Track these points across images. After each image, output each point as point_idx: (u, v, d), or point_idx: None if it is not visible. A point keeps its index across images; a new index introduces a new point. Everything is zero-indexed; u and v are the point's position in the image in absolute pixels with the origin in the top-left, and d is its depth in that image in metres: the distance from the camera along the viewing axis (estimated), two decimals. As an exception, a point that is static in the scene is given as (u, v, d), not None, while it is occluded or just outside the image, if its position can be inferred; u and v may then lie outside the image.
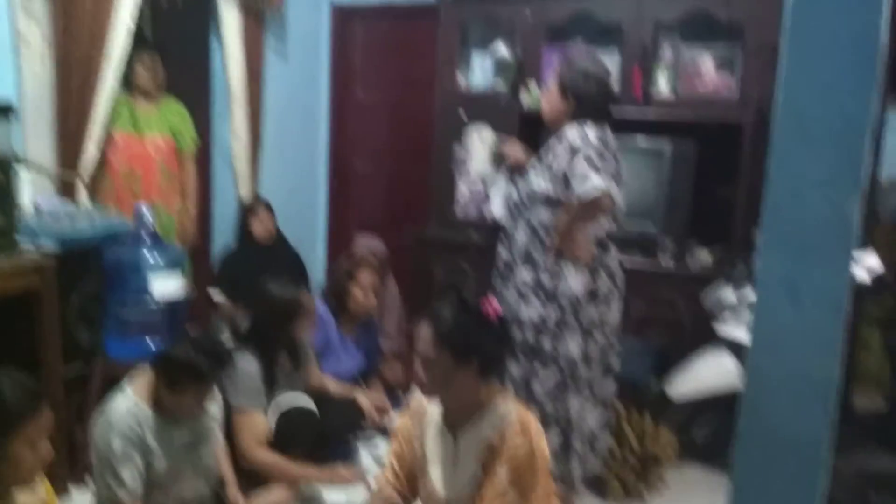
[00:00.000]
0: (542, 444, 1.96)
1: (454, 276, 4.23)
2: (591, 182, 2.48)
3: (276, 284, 2.91)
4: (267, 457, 2.71)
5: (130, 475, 2.19)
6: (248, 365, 2.76)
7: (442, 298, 1.99)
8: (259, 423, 2.74)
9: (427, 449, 2.06)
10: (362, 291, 3.38)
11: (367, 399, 3.27)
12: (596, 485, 3.05)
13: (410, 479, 2.11)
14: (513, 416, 1.96)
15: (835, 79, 1.26)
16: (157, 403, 2.28)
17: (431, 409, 2.07)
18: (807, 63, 1.29)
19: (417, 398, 2.13)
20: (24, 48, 3.03)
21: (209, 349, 2.30)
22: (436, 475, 2.03)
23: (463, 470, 1.99)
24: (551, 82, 2.80)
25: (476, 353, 1.90)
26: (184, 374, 2.24)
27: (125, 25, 3.30)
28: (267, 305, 2.87)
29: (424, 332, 1.92)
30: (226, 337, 3.77)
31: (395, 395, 3.72)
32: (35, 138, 3.12)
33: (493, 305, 1.96)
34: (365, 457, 3.13)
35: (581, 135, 2.61)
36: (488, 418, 1.97)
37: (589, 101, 2.71)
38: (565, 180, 2.60)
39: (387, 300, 4.05)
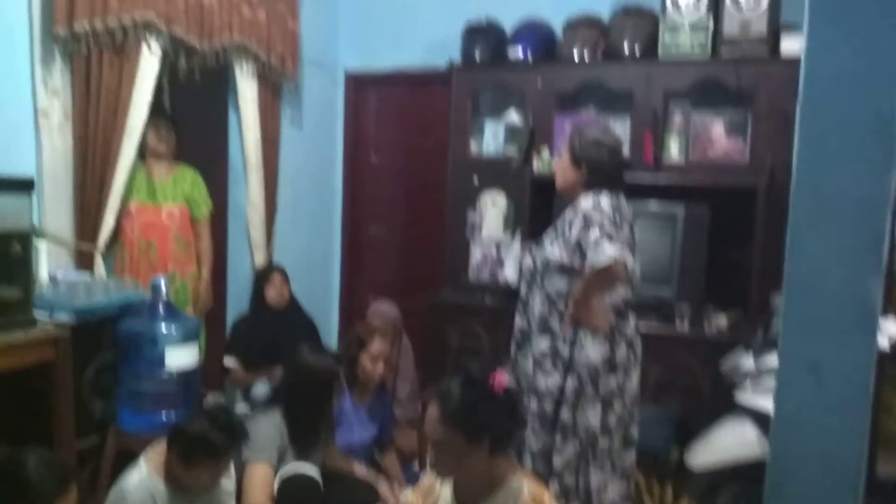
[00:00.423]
0: None
1: (468, 341, 4.21)
2: (604, 250, 2.48)
3: (313, 353, 2.93)
4: None
5: None
6: (269, 422, 2.76)
7: (448, 376, 1.96)
8: (264, 476, 2.70)
9: None
10: (372, 361, 3.35)
11: (389, 489, 3.21)
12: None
13: None
14: (525, 492, 1.91)
15: (852, 156, 1.26)
16: (172, 478, 2.27)
17: (441, 487, 2.03)
18: (822, 140, 1.30)
19: (428, 476, 2.09)
20: (45, 122, 3.09)
21: (225, 424, 2.29)
22: None
23: None
24: (563, 152, 2.82)
25: (487, 430, 1.87)
26: (198, 450, 2.23)
27: (145, 98, 3.37)
28: (303, 374, 2.89)
29: (432, 413, 1.89)
30: (239, 405, 3.78)
31: (410, 464, 3.67)
32: (54, 210, 3.16)
33: (500, 379, 1.93)
34: None
35: (595, 203, 2.62)
36: (501, 495, 1.92)
37: (602, 170, 2.73)
38: (580, 249, 2.60)
39: (400, 366, 4.02)
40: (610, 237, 2.51)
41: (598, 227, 2.53)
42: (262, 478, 2.69)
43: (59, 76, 3.13)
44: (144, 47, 3.35)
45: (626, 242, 2.60)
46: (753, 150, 3.64)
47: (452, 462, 1.89)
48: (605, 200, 2.64)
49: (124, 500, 2.18)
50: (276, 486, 2.73)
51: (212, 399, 3.86)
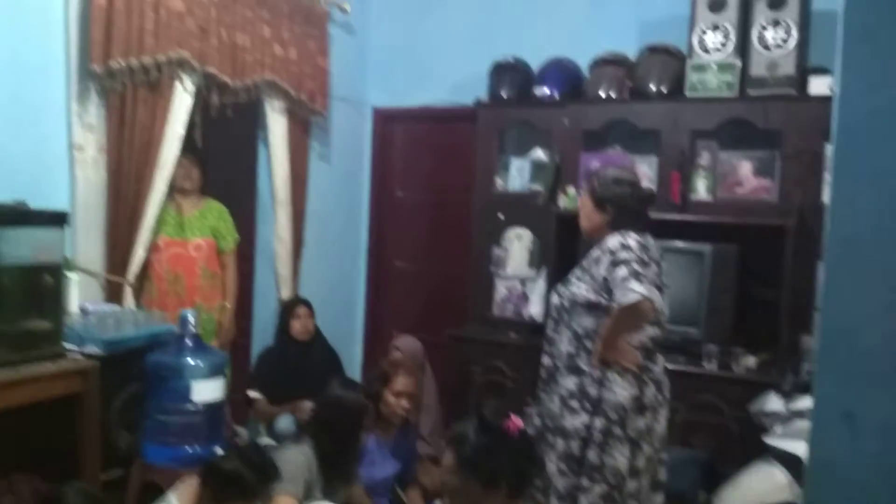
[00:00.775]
0: None
1: (492, 377, 4.19)
2: (632, 288, 2.47)
3: (344, 387, 2.96)
4: None
5: None
6: (298, 455, 2.77)
7: (462, 422, 1.95)
8: None
9: None
10: (395, 397, 3.35)
11: None
12: None
13: None
14: None
15: (889, 198, 1.24)
16: None
17: None
18: (857, 182, 1.28)
19: None
20: (79, 156, 3.16)
21: (258, 462, 2.29)
22: None
23: None
24: (584, 197, 2.83)
25: (503, 475, 1.84)
26: (231, 488, 2.23)
27: (177, 133, 3.43)
28: (334, 408, 2.90)
29: (447, 461, 1.87)
30: (263, 439, 3.78)
31: (432, 502, 3.63)
32: (85, 242, 3.21)
33: (515, 422, 1.91)
34: None
35: (622, 242, 2.62)
36: None
37: (626, 208, 2.73)
38: (607, 287, 2.59)
39: (424, 401, 4.01)
40: (638, 276, 2.50)
41: (626, 266, 2.53)
42: None
43: (95, 111, 3.20)
44: (178, 84, 3.42)
45: (655, 281, 2.59)
46: (782, 190, 3.62)
47: None
48: (632, 239, 2.63)
49: None
50: None
51: (241, 433, 3.86)
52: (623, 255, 2.56)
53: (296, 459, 2.75)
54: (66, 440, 2.67)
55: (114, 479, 2.84)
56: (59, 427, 2.67)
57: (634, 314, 2.51)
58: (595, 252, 2.70)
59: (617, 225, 2.70)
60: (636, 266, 2.53)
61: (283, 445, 2.84)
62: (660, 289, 2.62)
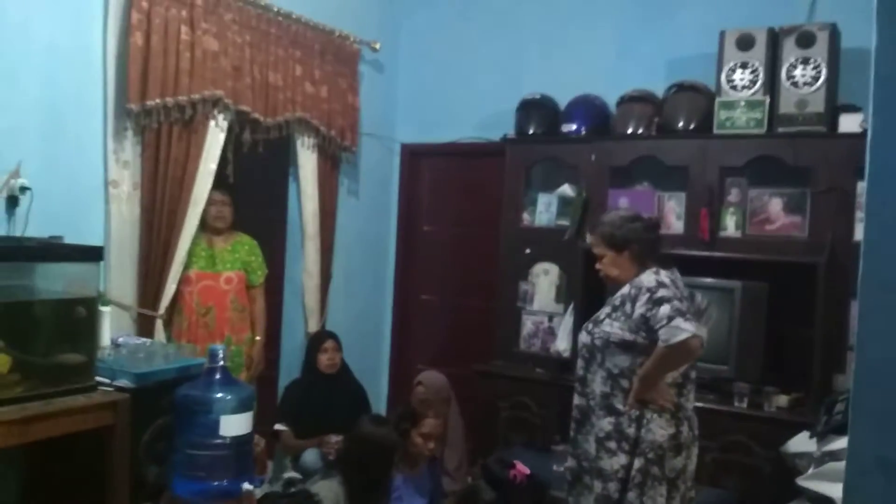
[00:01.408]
0: None
1: (518, 412, 4.16)
2: (680, 327, 2.46)
3: (374, 424, 2.96)
4: None
5: None
6: (328, 490, 2.78)
7: (469, 486, 1.93)
8: None
9: None
10: (423, 439, 3.35)
11: None
12: None
13: None
14: None
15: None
16: None
17: None
18: (890, 228, 1.26)
19: None
20: (114, 192, 3.23)
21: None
22: None
23: None
24: (601, 249, 2.79)
25: None
26: None
27: (210, 170, 3.50)
28: (365, 444, 2.91)
29: None
30: (289, 473, 3.77)
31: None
32: (118, 276, 3.27)
33: (520, 469, 1.89)
34: None
35: (658, 280, 2.61)
36: None
37: (646, 244, 2.74)
38: (644, 325, 2.57)
39: (450, 437, 3.99)
40: (682, 313, 2.49)
41: (668, 304, 2.51)
42: None
43: (130, 148, 3.27)
44: (211, 122, 3.49)
45: (695, 314, 2.58)
46: (812, 227, 3.58)
47: None
48: (664, 276, 2.63)
49: None
50: None
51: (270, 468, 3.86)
52: (662, 292, 2.55)
53: (326, 494, 2.75)
54: (96, 472, 2.69)
55: (142, 512, 2.85)
56: (89, 459, 2.69)
57: (683, 352, 2.50)
58: (626, 290, 2.69)
59: (643, 262, 2.70)
60: (678, 304, 2.52)
61: (312, 480, 2.84)
62: (700, 320, 2.61)
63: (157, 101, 3.23)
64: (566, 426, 2.93)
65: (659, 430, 2.58)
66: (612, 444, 2.64)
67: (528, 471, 1.93)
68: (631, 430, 2.62)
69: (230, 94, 3.54)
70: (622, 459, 2.62)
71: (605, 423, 2.67)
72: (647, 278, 2.63)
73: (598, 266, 2.83)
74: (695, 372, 2.76)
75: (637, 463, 2.60)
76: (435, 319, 5.17)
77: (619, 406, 2.65)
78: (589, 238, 2.88)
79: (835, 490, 2.77)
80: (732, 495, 3.41)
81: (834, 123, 3.53)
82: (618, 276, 2.76)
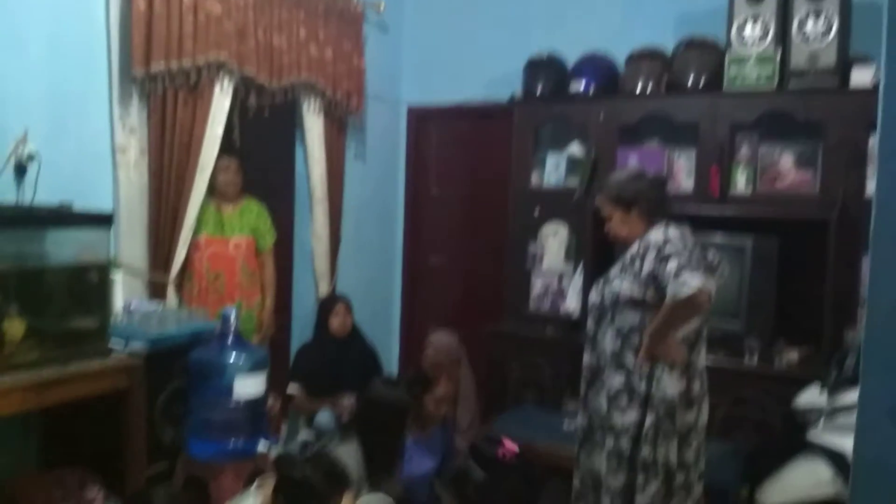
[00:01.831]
0: None
1: (528, 372, 4.19)
2: (687, 281, 2.45)
3: (387, 387, 2.99)
4: None
5: None
6: (348, 454, 2.81)
7: (457, 464, 1.91)
8: None
9: None
10: (435, 403, 3.38)
11: None
12: None
13: None
14: None
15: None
16: None
17: None
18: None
19: None
20: (122, 158, 3.22)
21: (329, 472, 2.31)
22: None
23: None
24: (609, 211, 2.78)
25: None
26: (303, 496, 2.25)
27: (216, 135, 3.49)
28: (378, 407, 2.94)
29: (451, 502, 1.83)
30: (303, 433, 3.82)
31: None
32: (128, 242, 3.28)
33: (509, 448, 1.87)
34: None
35: (665, 235, 2.60)
36: None
37: (652, 200, 2.73)
38: (653, 282, 2.57)
39: (461, 395, 4.02)
40: (690, 267, 2.48)
41: (676, 258, 2.51)
42: None
43: (136, 114, 3.26)
44: (217, 86, 3.47)
45: (705, 268, 2.58)
46: (823, 182, 3.56)
47: None
48: (672, 231, 2.62)
49: None
50: None
51: (284, 429, 3.90)
52: (669, 248, 2.55)
53: (347, 460, 2.79)
54: (112, 435, 2.74)
55: (159, 472, 2.89)
56: (105, 422, 2.74)
57: (691, 307, 2.49)
58: (635, 248, 2.68)
59: (651, 219, 2.69)
60: (686, 259, 2.52)
61: (331, 443, 2.87)
62: (712, 274, 2.61)
63: (162, 65, 3.21)
64: (576, 385, 2.95)
65: (670, 385, 2.60)
66: (624, 401, 2.66)
67: (516, 448, 1.90)
68: (642, 387, 2.63)
69: (235, 57, 3.51)
70: (634, 415, 2.64)
71: (616, 381, 2.68)
72: (655, 235, 2.63)
73: (606, 228, 2.81)
74: (706, 329, 2.76)
75: (649, 418, 2.61)
76: (445, 281, 5.18)
77: (629, 363, 2.66)
78: (596, 200, 2.86)
79: (846, 443, 2.79)
80: (743, 450, 3.43)
81: (846, 77, 3.48)
82: (627, 234, 2.75)
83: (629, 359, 2.66)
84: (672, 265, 2.50)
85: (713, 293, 2.52)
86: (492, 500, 1.78)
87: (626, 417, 2.63)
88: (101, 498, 2.76)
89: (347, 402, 3.71)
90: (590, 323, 2.83)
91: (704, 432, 2.74)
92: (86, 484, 2.76)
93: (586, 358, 2.83)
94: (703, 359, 2.72)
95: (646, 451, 2.61)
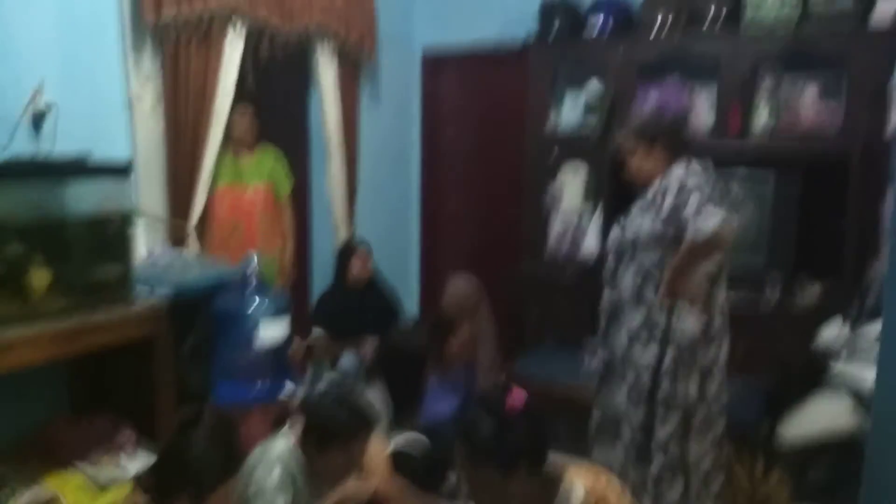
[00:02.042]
0: None
1: (548, 313, 4.21)
2: (710, 215, 2.44)
3: (410, 335, 3.04)
4: (400, 484, 2.77)
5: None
6: (375, 398, 2.89)
7: (465, 412, 1.88)
8: (381, 446, 2.81)
9: None
10: (458, 345, 3.42)
11: None
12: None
13: None
14: (580, 492, 1.81)
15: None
16: (310, 461, 2.34)
17: None
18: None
19: None
20: (138, 107, 3.21)
21: (358, 413, 2.31)
22: None
23: None
24: (634, 147, 2.73)
25: (520, 454, 1.76)
26: (332, 436, 2.26)
27: (230, 82, 3.46)
28: (398, 352, 2.98)
29: (460, 455, 1.79)
30: (328, 375, 3.88)
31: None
32: (148, 191, 3.29)
33: (517, 397, 1.82)
34: None
35: (687, 170, 2.58)
36: None
37: (676, 136, 2.70)
38: (677, 218, 2.55)
39: (481, 336, 4.05)
40: (712, 203, 2.46)
41: (698, 194, 2.49)
42: (379, 448, 2.79)
43: (150, 62, 3.24)
44: (229, 32, 3.43)
45: (728, 204, 2.56)
46: (846, 117, 3.50)
47: (494, 498, 1.80)
48: (694, 167, 2.60)
49: (272, 460, 2.23)
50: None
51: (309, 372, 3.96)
52: (692, 183, 2.53)
53: (377, 402, 2.83)
54: (140, 383, 2.78)
55: (187, 416, 2.94)
56: (133, 370, 2.78)
57: (714, 240, 2.48)
58: (656, 185, 2.66)
59: (674, 155, 2.66)
60: (708, 193, 2.50)
61: (357, 385, 2.92)
62: (735, 210, 2.60)
63: (173, 12, 3.17)
64: (595, 325, 2.96)
65: (690, 321, 2.60)
66: (644, 336, 2.67)
67: (524, 396, 1.85)
68: (662, 322, 2.64)
69: (246, 2, 3.47)
70: (654, 350, 2.65)
71: (637, 317, 2.69)
72: (677, 171, 2.60)
73: (629, 164, 2.77)
74: (728, 265, 2.75)
75: (669, 354, 2.63)
76: (463, 225, 5.18)
77: (650, 298, 2.66)
78: (618, 136, 2.82)
79: (867, 374, 2.79)
80: (764, 385, 3.45)
81: (867, 13, 3.38)
82: (649, 171, 2.71)
83: (650, 295, 2.66)
84: (694, 201, 2.48)
85: (735, 229, 2.50)
86: (505, 450, 1.74)
87: (647, 353, 2.65)
88: (132, 442, 2.82)
89: (370, 345, 3.76)
90: (610, 260, 2.82)
91: (725, 368, 2.75)
92: (117, 429, 2.82)
93: (607, 294, 2.84)
94: (723, 294, 2.72)
95: (665, 386, 2.63)
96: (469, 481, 1.83)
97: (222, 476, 1.89)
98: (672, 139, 2.69)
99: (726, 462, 2.90)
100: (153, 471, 1.88)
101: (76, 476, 2.64)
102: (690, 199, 2.49)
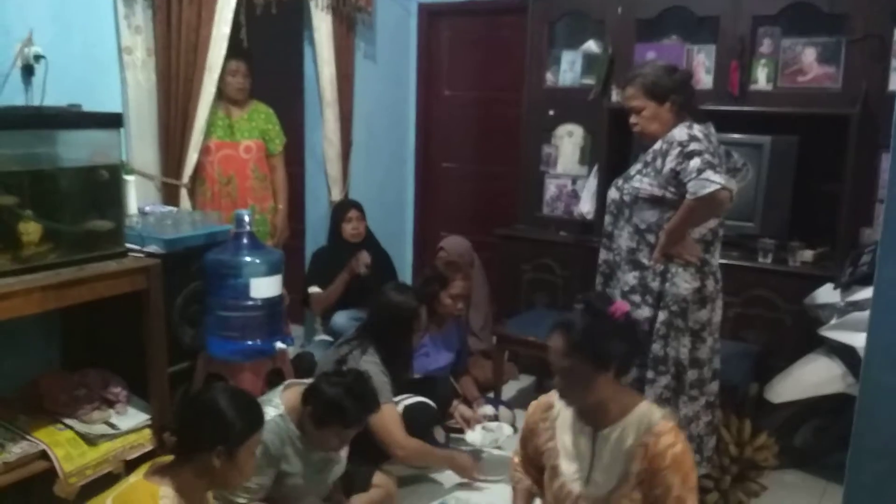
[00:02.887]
0: (685, 445, 1.93)
1: (541, 275, 4.21)
2: (710, 179, 2.42)
3: (397, 292, 3.09)
4: (417, 444, 2.88)
5: (257, 482, 2.29)
6: (376, 368, 2.89)
7: (570, 308, 1.96)
8: (394, 414, 2.89)
9: (559, 444, 2.05)
10: (451, 300, 3.44)
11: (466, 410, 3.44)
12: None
13: (539, 470, 2.14)
14: (656, 416, 1.93)
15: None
16: (301, 427, 2.37)
17: (559, 405, 2.06)
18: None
19: (549, 396, 2.12)
20: (129, 59, 3.16)
21: (360, 393, 2.35)
22: (569, 471, 2.01)
23: (603, 469, 1.96)
24: (641, 100, 2.65)
25: (612, 356, 1.88)
26: (331, 413, 2.31)
27: (223, 35, 3.40)
28: (388, 311, 3.03)
29: (556, 344, 1.90)
30: (321, 335, 3.89)
31: (486, 394, 3.74)
32: (139, 146, 3.26)
33: (620, 306, 1.94)
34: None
35: (690, 134, 2.54)
36: (632, 419, 1.94)
37: (682, 92, 2.65)
38: (674, 180, 2.54)
39: (474, 298, 4.07)
40: (713, 166, 2.45)
41: (699, 157, 2.46)
42: (394, 416, 2.88)
43: (141, 13, 3.18)
44: (222, -18, 3.37)
45: (729, 168, 2.55)
46: (846, 78, 3.47)
47: (580, 389, 1.91)
48: (697, 129, 2.57)
49: None
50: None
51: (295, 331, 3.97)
52: (693, 146, 2.50)
53: (378, 373, 2.86)
54: (133, 337, 2.78)
55: (180, 371, 2.96)
56: (126, 325, 2.78)
57: (712, 205, 2.47)
58: (658, 145, 2.63)
59: (681, 115, 2.62)
60: (709, 157, 2.47)
61: (352, 357, 2.93)
62: (734, 175, 2.60)
63: (164, -39, 3.11)
64: (589, 287, 2.96)
65: (683, 283, 2.60)
66: (637, 298, 2.67)
67: (627, 308, 1.99)
68: (655, 284, 2.64)
69: (239, -48, 3.40)
70: (646, 312, 2.65)
71: (630, 278, 2.69)
72: (679, 132, 2.57)
73: (633, 120, 2.70)
74: (723, 229, 2.74)
75: (661, 315, 2.63)
76: (457, 185, 5.15)
77: (645, 260, 2.66)
78: (627, 90, 2.71)
79: (856, 339, 2.82)
80: (753, 347, 3.47)
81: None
82: (655, 129, 2.65)
83: (645, 256, 2.65)
84: (695, 163, 2.46)
85: (735, 193, 2.49)
86: (599, 348, 1.88)
87: (639, 314, 2.65)
88: (123, 395, 2.83)
89: (363, 256, 3.81)
90: (607, 220, 2.81)
91: (718, 330, 2.76)
92: (108, 382, 2.83)
93: (602, 254, 2.83)
94: (717, 258, 2.72)
95: (657, 347, 2.64)
96: (561, 371, 1.91)
97: (249, 429, 1.92)
98: (683, 99, 2.64)
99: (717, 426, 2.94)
100: (181, 429, 1.92)
101: (66, 430, 2.65)
102: (692, 161, 2.46)
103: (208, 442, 1.85)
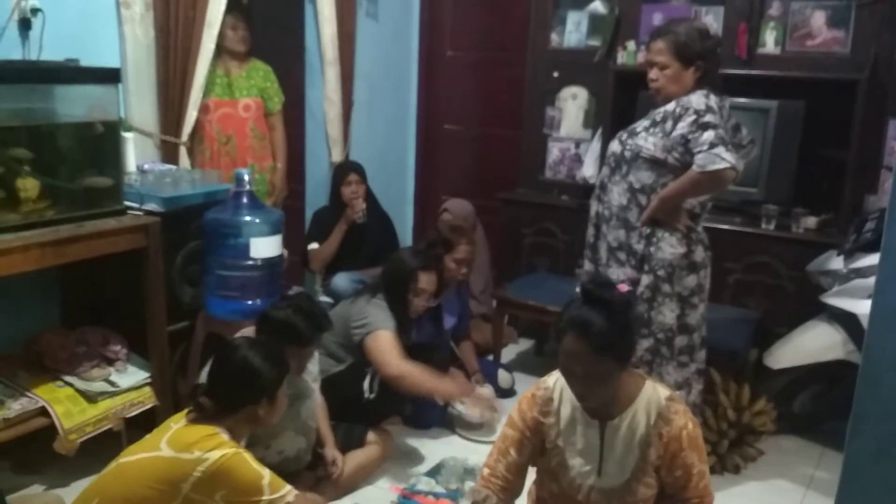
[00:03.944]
0: (694, 421, 1.92)
1: (543, 239, 4.19)
2: (720, 155, 2.38)
3: (409, 253, 3.14)
4: (409, 367, 2.84)
5: None
6: (379, 307, 2.95)
7: (571, 305, 1.90)
8: (391, 339, 2.88)
9: (566, 440, 1.99)
10: (456, 265, 3.42)
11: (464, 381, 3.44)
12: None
13: (521, 471, 2.07)
14: (663, 397, 1.91)
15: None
16: None
17: (560, 398, 2.00)
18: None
19: (543, 389, 2.04)
20: (127, 13, 3.11)
21: (308, 311, 2.38)
22: (579, 465, 1.97)
23: (616, 460, 1.93)
24: (665, 56, 2.56)
25: (633, 351, 1.87)
26: (283, 335, 2.32)
27: (223, -11, 3.35)
28: (391, 266, 3.07)
29: (575, 347, 1.81)
30: (320, 297, 3.88)
31: (484, 357, 3.75)
32: (138, 103, 3.22)
33: (621, 289, 1.90)
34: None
35: (707, 104, 2.49)
36: (640, 406, 1.91)
37: (710, 59, 2.57)
38: (681, 145, 2.50)
39: (475, 262, 4.05)
40: (725, 142, 2.41)
41: (714, 130, 2.42)
42: (390, 340, 2.88)
43: (139, -33, 3.13)
44: (222, -65, 3.30)
45: (737, 145, 2.53)
46: (855, 42, 3.41)
47: (602, 388, 1.86)
48: (714, 100, 2.51)
49: None
50: None
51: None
52: (709, 117, 2.45)
53: (382, 308, 2.94)
54: (133, 296, 2.78)
55: (179, 329, 2.96)
56: (125, 283, 2.77)
57: (716, 181, 2.44)
58: (672, 106, 2.55)
59: (701, 82, 2.56)
60: (722, 132, 2.44)
61: (359, 305, 2.95)
62: (738, 151, 2.57)
63: (163, -88, 3.04)
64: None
65: (669, 248, 2.58)
66: (622, 256, 2.66)
67: (626, 288, 1.94)
68: (640, 247, 2.61)
69: None
70: (628, 272, 2.64)
71: (617, 235, 2.67)
72: (697, 99, 2.50)
73: (653, 76, 2.61)
74: (711, 203, 2.72)
75: (645, 279, 2.61)
76: (459, 148, 5.10)
77: (633, 221, 2.63)
78: (655, 43, 2.59)
79: (859, 306, 2.81)
80: (754, 314, 3.47)
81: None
82: (674, 91, 2.57)
83: (633, 216, 2.63)
84: (709, 135, 2.41)
85: (740, 173, 2.47)
86: (624, 344, 1.84)
87: (622, 272, 2.64)
88: (123, 354, 2.84)
89: (358, 204, 3.85)
90: (604, 171, 2.77)
91: (707, 298, 2.74)
92: (108, 340, 2.83)
93: (594, 206, 2.79)
94: (702, 227, 2.70)
95: (642, 310, 2.61)
96: (584, 375, 1.84)
97: (281, 376, 2.08)
98: (708, 66, 2.57)
99: (713, 393, 2.95)
100: (225, 393, 2.01)
101: (66, 388, 2.66)
102: (705, 134, 2.41)
103: (253, 398, 2.02)
